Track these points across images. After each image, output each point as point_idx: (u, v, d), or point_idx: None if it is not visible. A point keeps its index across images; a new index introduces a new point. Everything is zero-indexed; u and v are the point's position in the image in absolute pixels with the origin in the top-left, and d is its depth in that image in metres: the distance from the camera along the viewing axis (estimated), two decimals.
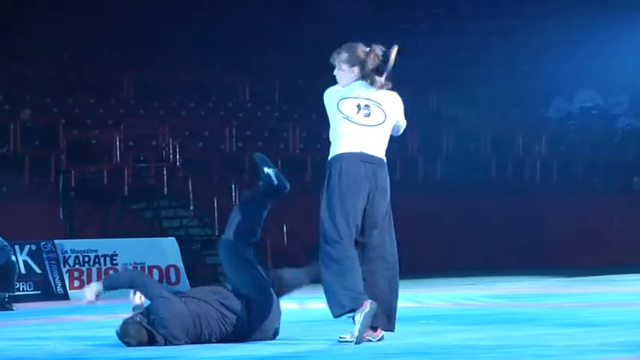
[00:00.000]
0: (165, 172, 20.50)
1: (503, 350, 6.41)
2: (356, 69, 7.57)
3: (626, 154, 25.83)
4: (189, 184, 20.31)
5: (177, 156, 20.83)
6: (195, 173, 20.66)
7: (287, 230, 20.48)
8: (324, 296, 7.33)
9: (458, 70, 25.62)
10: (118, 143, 20.43)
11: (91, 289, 7.71)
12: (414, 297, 12.58)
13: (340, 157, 7.47)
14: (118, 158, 20.36)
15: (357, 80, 7.56)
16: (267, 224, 21.88)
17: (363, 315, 7.09)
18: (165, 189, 20.44)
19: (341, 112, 7.55)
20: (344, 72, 7.60)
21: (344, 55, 7.59)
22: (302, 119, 23.63)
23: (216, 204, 20.12)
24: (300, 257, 20.84)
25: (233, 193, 20.32)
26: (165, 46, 24.61)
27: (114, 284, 7.77)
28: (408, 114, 7.96)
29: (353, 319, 7.14)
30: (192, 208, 20.40)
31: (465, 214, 22.65)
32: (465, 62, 26.30)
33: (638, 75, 24.65)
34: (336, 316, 7.26)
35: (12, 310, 13.88)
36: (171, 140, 20.90)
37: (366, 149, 7.50)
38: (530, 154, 24.93)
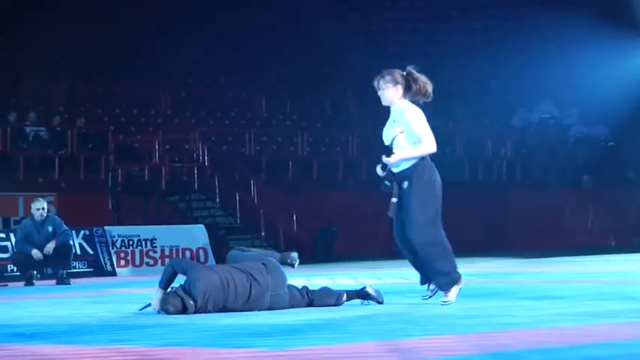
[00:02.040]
0: (195, 171, 20.52)
1: (475, 319, 6.43)
2: (399, 87, 7.68)
3: (577, 157, 25.82)
4: (216, 180, 20.33)
5: (206, 157, 20.85)
6: (221, 172, 20.68)
7: (296, 219, 20.50)
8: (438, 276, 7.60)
9: (437, 86, 25.60)
10: (156, 147, 20.49)
11: (155, 300, 7.59)
12: (401, 274, 12.59)
13: (425, 161, 7.70)
14: (157, 159, 20.41)
15: (401, 98, 7.67)
16: (280, 214, 21.83)
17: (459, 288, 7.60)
18: (196, 185, 20.46)
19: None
20: (389, 89, 7.68)
21: (388, 77, 7.69)
22: (309, 127, 23.66)
23: (237, 197, 20.16)
24: (307, 241, 20.98)
25: (252, 188, 20.38)
26: (195, 67, 24.63)
27: (167, 282, 7.72)
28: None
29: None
30: (217, 200, 20.41)
31: (443, 206, 22.64)
32: (443, 80, 26.26)
33: (586, 91, 24.61)
34: (447, 288, 7.56)
35: (69, 284, 13.91)
36: (200, 144, 20.93)
37: None
38: (497, 156, 24.93)
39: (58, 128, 20.47)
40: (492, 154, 24.87)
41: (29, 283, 14.01)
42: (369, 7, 28.87)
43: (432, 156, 7.86)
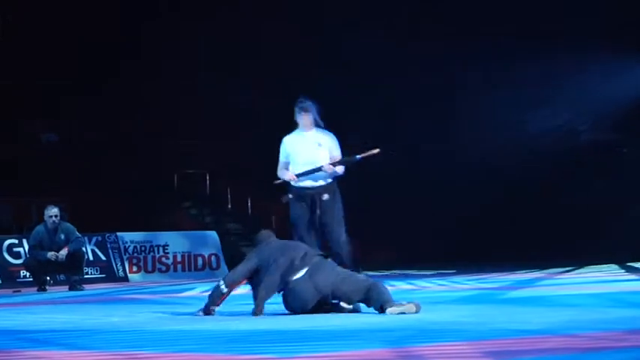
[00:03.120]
0: (208, 177, 20.56)
1: (487, 326, 6.39)
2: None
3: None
4: (228, 187, 20.38)
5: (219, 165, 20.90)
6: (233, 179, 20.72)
7: None
8: None
9: (449, 93, 25.57)
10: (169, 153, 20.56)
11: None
12: (415, 282, 12.58)
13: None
14: (169, 165, 20.48)
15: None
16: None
17: None
18: (208, 191, 20.51)
19: None
20: (312, 115, 9.18)
21: (309, 103, 9.21)
22: None
23: (249, 204, 20.18)
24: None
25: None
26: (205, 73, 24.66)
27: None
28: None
29: None
30: (229, 207, 20.46)
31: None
32: (455, 86, 26.18)
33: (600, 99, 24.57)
34: None
35: (82, 290, 13.93)
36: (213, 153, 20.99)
37: None
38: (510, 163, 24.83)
39: (69, 134, 20.58)
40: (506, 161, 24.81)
41: (42, 289, 14.03)
42: None
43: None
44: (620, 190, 24.62)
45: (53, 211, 14.31)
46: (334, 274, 7.38)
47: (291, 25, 24.33)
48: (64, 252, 13.95)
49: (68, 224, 14.60)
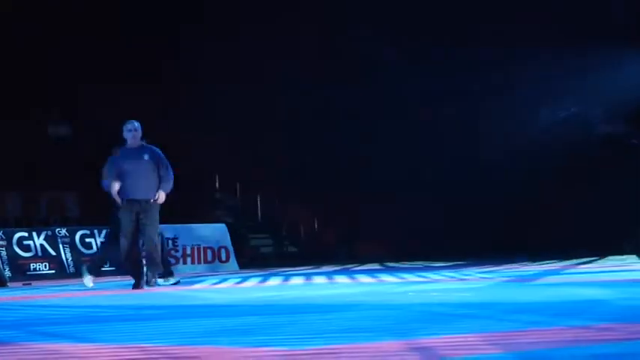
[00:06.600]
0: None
1: (497, 318, 6.39)
2: None
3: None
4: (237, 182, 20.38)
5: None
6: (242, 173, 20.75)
7: (317, 219, 20.52)
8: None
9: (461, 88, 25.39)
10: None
11: None
12: (426, 274, 12.55)
13: None
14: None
15: None
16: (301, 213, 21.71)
17: None
18: (218, 185, 20.56)
19: None
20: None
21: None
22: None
23: (259, 198, 20.21)
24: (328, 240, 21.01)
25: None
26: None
27: None
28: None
29: None
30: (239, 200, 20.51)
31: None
32: (467, 80, 26.00)
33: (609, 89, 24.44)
34: None
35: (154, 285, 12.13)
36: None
37: None
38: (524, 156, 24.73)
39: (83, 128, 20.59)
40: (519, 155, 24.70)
41: (138, 284, 11.79)
42: None
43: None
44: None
45: (134, 124, 11.32)
46: None
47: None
48: (161, 197, 11.18)
49: (153, 146, 11.54)
